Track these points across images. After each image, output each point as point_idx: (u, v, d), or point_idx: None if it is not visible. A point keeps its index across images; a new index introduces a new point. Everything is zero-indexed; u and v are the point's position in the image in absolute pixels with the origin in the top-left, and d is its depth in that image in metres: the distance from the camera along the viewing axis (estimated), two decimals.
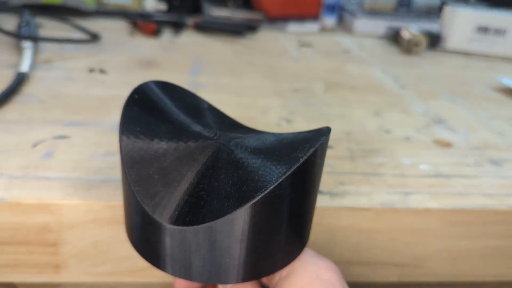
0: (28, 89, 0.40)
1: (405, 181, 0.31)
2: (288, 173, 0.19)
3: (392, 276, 0.31)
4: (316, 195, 0.23)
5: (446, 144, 0.37)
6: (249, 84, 0.47)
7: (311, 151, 0.20)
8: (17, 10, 0.64)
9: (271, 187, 0.18)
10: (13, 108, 0.36)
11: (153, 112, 0.23)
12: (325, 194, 0.28)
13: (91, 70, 0.47)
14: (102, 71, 0.47)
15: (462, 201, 0.29)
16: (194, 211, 0.19)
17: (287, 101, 0.43)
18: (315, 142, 0.20)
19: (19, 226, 0.26)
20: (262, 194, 0.18)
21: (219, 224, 0.18)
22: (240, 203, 0.18)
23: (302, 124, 0.38)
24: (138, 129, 0.22)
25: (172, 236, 0.19)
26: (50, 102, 0.38)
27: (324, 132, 0.21)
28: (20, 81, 0.40)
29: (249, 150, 0.22)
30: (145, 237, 0.20)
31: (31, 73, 0.43)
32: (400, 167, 0.32)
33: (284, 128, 0.37)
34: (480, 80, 0.55)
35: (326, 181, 0.30)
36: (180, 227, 0.18)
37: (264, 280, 0.25)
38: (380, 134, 0.37)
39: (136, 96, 0.24)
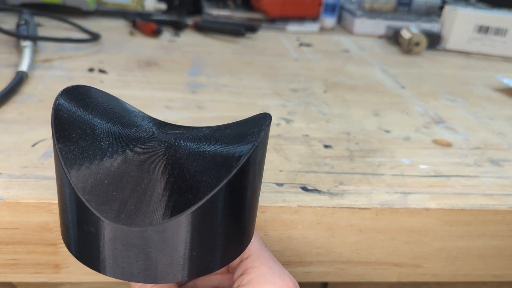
0: (27, 89, 0.40)
1: (405, 181, 0.31)
2: (225, 181, 0.19)
3: (392, 276, 0.31)
4: (257, 194, 0.23)
5: (446, 144, 0.37)
6: (249, 84, 0.47)
7: (248, 154, 0.20)
8: (16, 9, 0.64)
9: (210, 195, 0.18)
10: (13, 107, 0.36)
11: (79, 128, 0.22)
12: (324, 193, 0.28)
13: (91, 70, 0.47)
14: (101, 71, 0.47)
15: (461, 201, 0.29)
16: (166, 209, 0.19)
17: (286, 101, 0.43)
18: (254, 135, 0.21)
19: (18, 226, 0.26)
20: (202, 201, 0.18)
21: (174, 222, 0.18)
22: (198, 198, 0.18)
23: (301, 124, 0.38)
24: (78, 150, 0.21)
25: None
26: (49, 101, 0.38)
27: (262, 122, 0.22)
28: (19, 80, 0.40)
29: (193, 142, 0.22)
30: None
31: (31, 73, 0.43)
32: (399, 167, 0.32)
33: (283, 128, 0.37)
34: (480, 80, 0.55)
35: (325, 180, 0.30)
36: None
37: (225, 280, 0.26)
38: (379, 134, 0.37)
39: (59, 114, 0.22)
